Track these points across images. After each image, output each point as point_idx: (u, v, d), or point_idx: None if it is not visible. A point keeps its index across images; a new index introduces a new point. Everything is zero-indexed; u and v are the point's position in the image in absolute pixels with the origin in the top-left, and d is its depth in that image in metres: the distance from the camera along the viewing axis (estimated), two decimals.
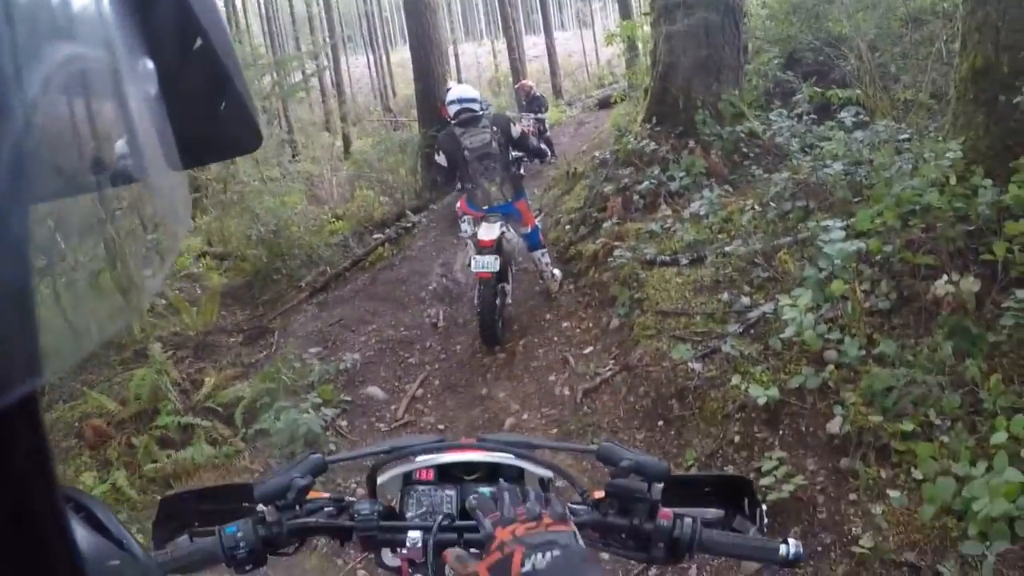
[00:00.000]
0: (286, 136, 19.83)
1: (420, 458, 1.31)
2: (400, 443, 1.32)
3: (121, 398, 5.47)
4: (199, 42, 0.47)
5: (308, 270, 9.05)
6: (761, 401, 3.51)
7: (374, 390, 5.58)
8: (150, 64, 0.41)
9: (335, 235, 10.18)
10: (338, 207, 12.07)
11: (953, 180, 3.80)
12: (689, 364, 4.15)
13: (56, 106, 0.33)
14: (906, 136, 4.97)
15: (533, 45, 33.16)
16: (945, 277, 3.44)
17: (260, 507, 1.20)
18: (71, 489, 0.69)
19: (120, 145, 0.38)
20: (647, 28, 8.68)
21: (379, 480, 1.29)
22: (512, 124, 5.82)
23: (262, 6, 27.21)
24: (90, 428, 5.15)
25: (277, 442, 4.69)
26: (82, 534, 0.58)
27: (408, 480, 1.32)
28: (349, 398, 5.50)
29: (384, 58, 33.34)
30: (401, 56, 36.26)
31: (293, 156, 18.39)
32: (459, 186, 5.94)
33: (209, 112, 0.51)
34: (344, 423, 5.20)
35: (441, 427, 5.00)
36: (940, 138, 4.41)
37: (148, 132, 0.40)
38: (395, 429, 5.08)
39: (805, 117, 6.23)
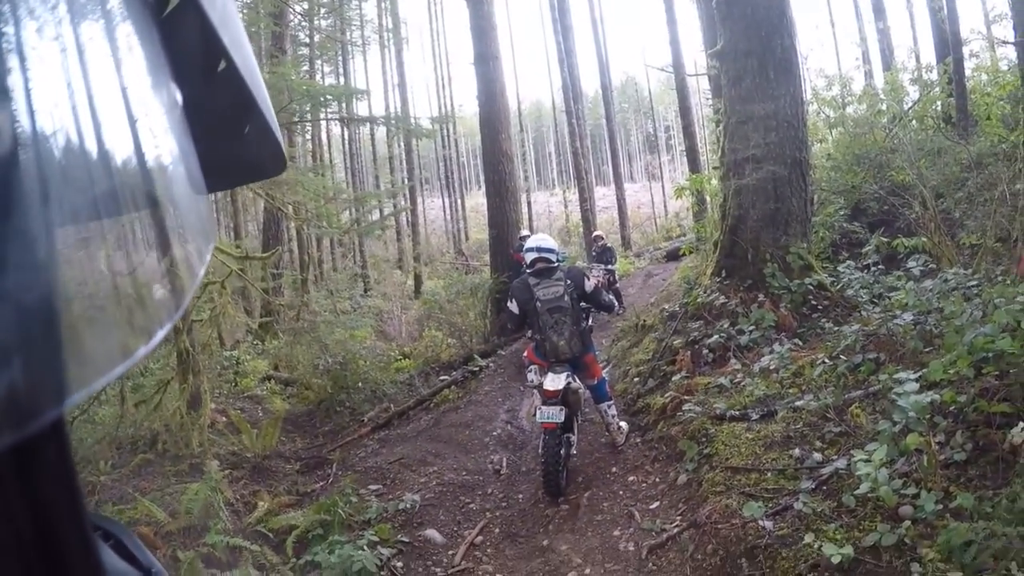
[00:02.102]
0: (359, 270, 20.59)
1: None
2: None
3: (172, 510, 5.44)
4: (223, 64, 0.47)
5: (372, 405, 9.13)
6: (835, 560, 3.31)
7: (432, 533, 5.44)
8: (175, 87, 0.42)
9: (401, 372, 10.32)
10: (406, 345, 12.30)
11: None
12: (760, 522, 3.96)
13: (83, 130, 0.33)
14: (974, 282, 4.90)
15: (603, 196, 34.17)
16: (1021, 424, 3.33)
17: None
18: (99, 516, 0.68)
19: (145, 170, 0.38)
20: (715, 182, 8.90)
21: None
22: (586, 278, 5.84)
23: (346, 143, 28.75)
24: (137, 535, 5.11)
25: None
26: (111, 562, 0.58)
27: None
28: (406, 539, 5.35)
29: (459, 201, 34.71)
30: (475, 201, 37.78)
31: (365, 291, 19.02)
32: (528, 334, 5.97)
33: (233, 135, 0.52)
34: (400, 564, 5.05)
35: None
36: (1008, 281, 4.33)
37: (172, 156, 0.40)
38: (452, 575, 4.91)
39: (872, 268, 6.19)
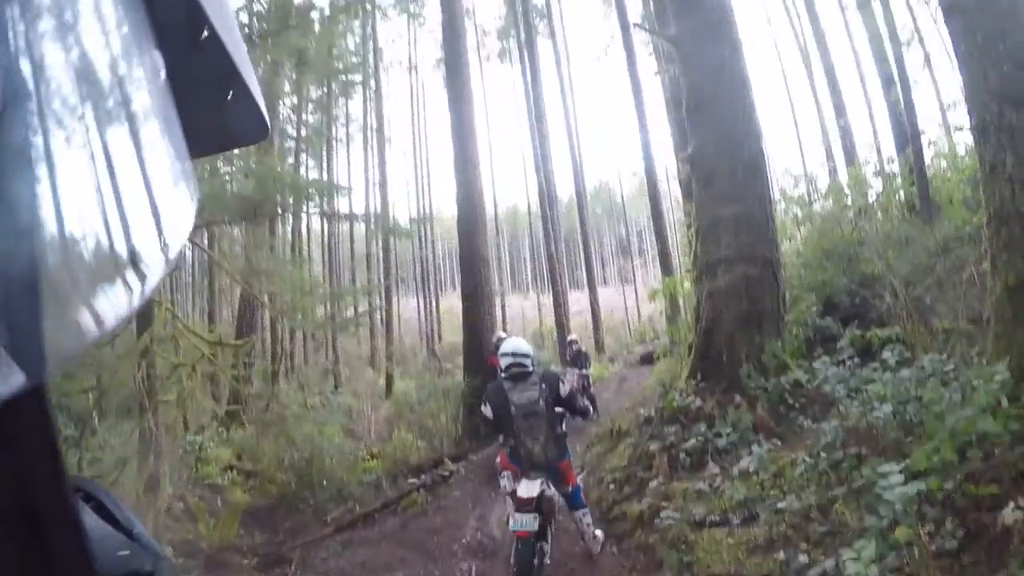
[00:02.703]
0: (331, 366, 20.35)
1: None
2: None
3: None
4: (206, 32, 0.47)
5: (336, 505, 8.89)
6: None
7: None
8: (157, 54, 0.42)
9: (368, 473, 10.13)
10: (374, 445, 12.05)
11: (1005, 402, 3.74)
12: None
13: (66, 96, 0.33)
14: (950, 367, 4.93)
15: (577, 300, 34.48)
16: (1012, 504, 3.31)
17: None
18: (81, 478, 0.72)
19: (129, 135, 0.38)
20: (688, 284, 9.00)
21: None
22: (561, 383, 5.74)
23: (325, 237, 29.05)
24: None
25: None
26: (92, 524, 0.59)
27: None
28: None
29: (434, 303, 34.83)
30: (450, 302, 37.95)
31: (336, 387, 18.73)
32: (501, 439, 5.85)
33: (217, 102, 0.51)
34: None
35: None
36: (984, 362, 4.34)
37: (156, 121, 0.40)
38: None
39: (848, 361, 6.20)
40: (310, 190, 10.68)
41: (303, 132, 22.04)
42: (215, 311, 17.19)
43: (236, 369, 8.78)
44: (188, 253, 21.90)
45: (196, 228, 7.27)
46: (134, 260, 0.37)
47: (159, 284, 0.38)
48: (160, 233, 0.40)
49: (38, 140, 0.31)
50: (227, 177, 8.00)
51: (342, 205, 25.67)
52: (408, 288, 48.51)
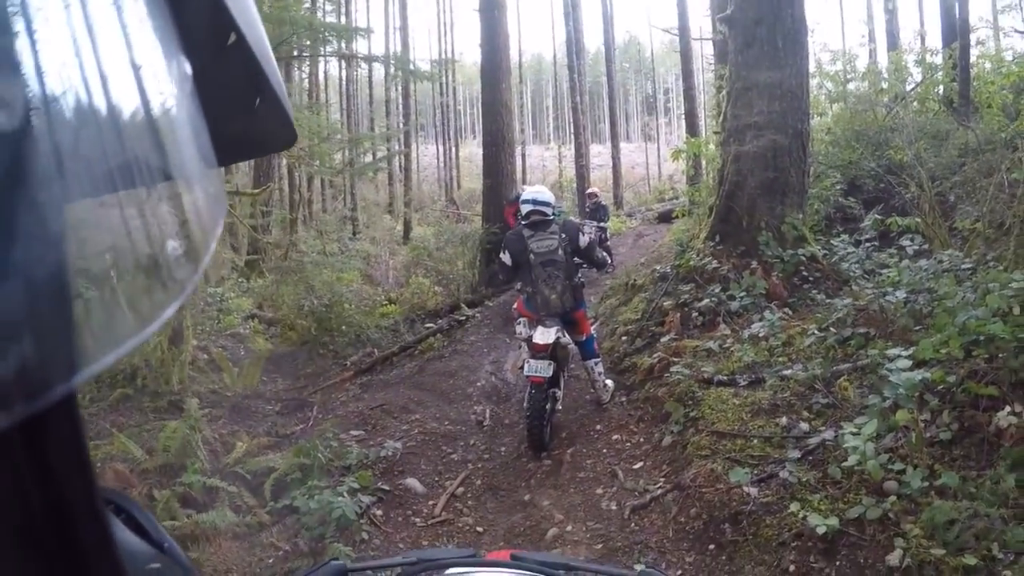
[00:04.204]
0: (349, 213, 20.40)
1: (450, 571, 1.23)
2: (428, 555, 1.24)
3: (149, 447, 5.38)
4: (233, 38, 0.47)
5: (355, 349, 9.09)
6: (820, 530, 3.34)
7: (413, 482, 5.42)
8: (184, 60, 0.41)
9: (386, 318, 10.26)
10: (392, 291, 12.22)
11: (1017, 310, 3.74)
12: (745, 488, 3.97)
13: (92, 104, 0.33)
14: (967, 266, 4.90)
15: (598, 153, 33.89)
16: (1008, 408, 3.37)
17: None
18: (111, 491, 0.70)
19: (156, 143, 0.38)
20: (713, 147, 8.81)
21: None
22: (580, 233, 5.76)
23: (343, 84, 28.38)
24: (112, 472, 5.00)
25: (307, 522, 4.54)
26: (122, 536, 0.59)
27: None
28: (387, 487, 5.32)
29: (454, 150, 34.29)
30: (469, 150, 37.39)
31: (354, 234, 18.85)
32: (518, 287, 5.92)
33: (244, 108, 0.51)
34: (379, 512, 5.03)
35: (480, 529, 4.82)
36: (1003, 268, 4.31)
37: (183, 129, 0.40)
38: (432, 526, 4.90)
39: (866, 243, 6.15)
40: (328, 32, 10.28)
41: None
42: None
43: (254, 219, 8.82)
44: None
45: None
46: (163, 268, 0.38)
47: (190, 291, 0.39)
48: (189, 239, 0.40)
49: (63, 145, 0.31)
50: None
51: (360, 49, 24.75)
52: (428, 135, 47.74)
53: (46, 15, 0.32)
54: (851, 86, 12.26)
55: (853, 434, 3.52)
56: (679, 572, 3.86)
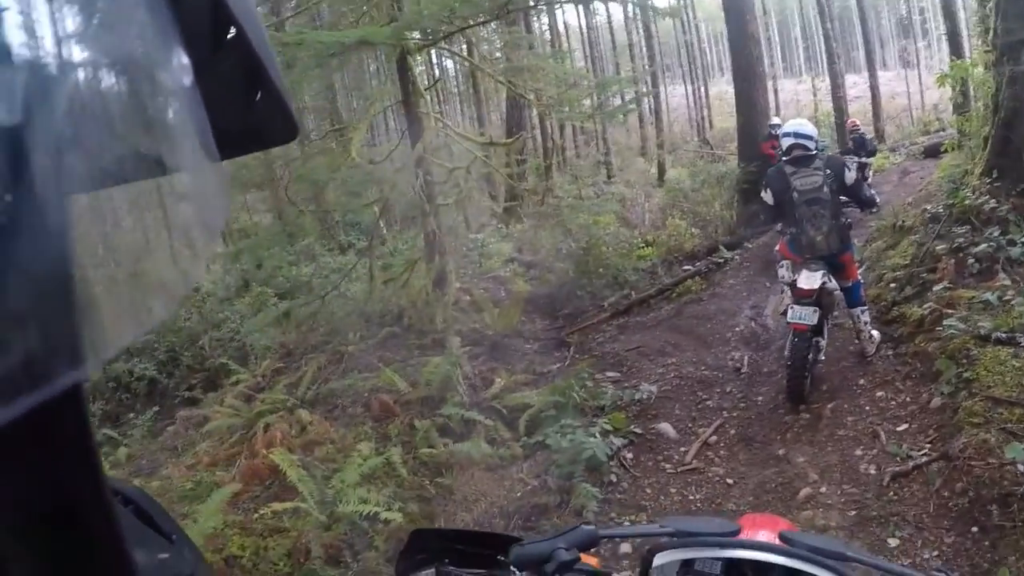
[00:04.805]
0: (602, 157, 20.48)
1: (711, 553, 1.12)
2: (686, 526, 1.14)
3: (412, 380, 5.83)
4: (232, 32, 0.47)
5: (612, 291, 9.16)
6: None
7: (666, 427, 5.38)
8: (183, 54, 0.41)
9: (643, 260, 10.21)
10: (648, 233, 12.09)
11: None
12: (1021, 466, 3.41)
13: (93, 97, 0.34)
14: None
15: (853, 84, 30.97)
16: None
17: (514, 570, 1.08)
18: (118, 482, 0.70)
19: (157, 136, 0.38)
20: (981, 69, 7.53)
21: (656, 562, 1.14)
22: (847, 169, 5.30)
23: (584, 31, 28.33)
24: (378, 402, 5.59)
25: (558, 460, 4.65)
26: (130, 527, 0.60)
27: (688, 567, 1.17)
28: (639, 430, 5.34)
29: (702, 88, 33.13)
30: (718, 88, 35.82)
31: (608, 177, 18.92)
32: (779, 227, 5.60)
33: (244, 103, 0.51)
34: (630, 455, 5.06)
35: (730, 481, 4.67)
36: None
37: (184, 123, 0.40)
38: (681, 473, 4.83)
39: None
40: None
41: None
42: (483, 115, 17.69)
43: (509, 167, 9.08)
44: (449, 63, 22.59)
45: (450, 35, 7.38)
46: (164, 263, 0.38)
47: (193, 284, 0.34)
48: (188, 238, 0.41)
49: (65, 138, 0.31)
50: None
51: None
52: (674, 76, 46.35)
53: (45, 6, 0.32)
54: None
55: None
56: (935, 553, 3.46)
